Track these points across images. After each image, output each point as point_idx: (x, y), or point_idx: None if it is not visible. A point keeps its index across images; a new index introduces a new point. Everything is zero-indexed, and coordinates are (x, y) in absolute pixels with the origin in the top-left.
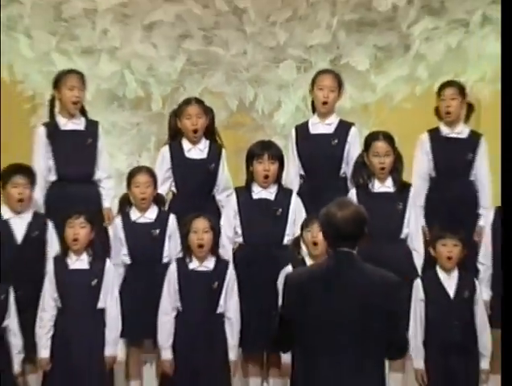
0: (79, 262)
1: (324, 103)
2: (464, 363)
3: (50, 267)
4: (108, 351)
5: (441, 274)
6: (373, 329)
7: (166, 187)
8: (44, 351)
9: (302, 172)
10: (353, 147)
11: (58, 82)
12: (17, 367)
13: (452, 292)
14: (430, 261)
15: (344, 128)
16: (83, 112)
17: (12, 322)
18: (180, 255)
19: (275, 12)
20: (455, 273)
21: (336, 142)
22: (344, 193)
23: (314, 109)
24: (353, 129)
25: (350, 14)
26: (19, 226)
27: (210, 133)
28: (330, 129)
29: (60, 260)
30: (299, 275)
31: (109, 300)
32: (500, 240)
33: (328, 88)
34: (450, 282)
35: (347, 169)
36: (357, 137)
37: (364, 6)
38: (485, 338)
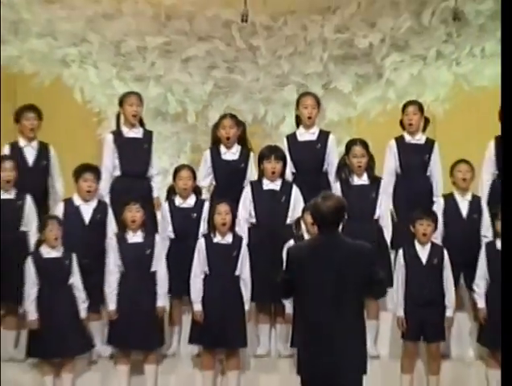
0: (136, 237)
1: (309, 118)
2: (432, 312)
3: (113, 241)
4: (159, 303)
5: (418, 246)
6: (353, 283)
7: (208, 180)
8: (112, 305)
9: (293, 170)
10: (332, 150)
11: (122, 101)
12: (83, 313)
13: (424, 259)
14: (401, 237)
15: (324, 135)
16: (142, 123)
17: (76, 280)
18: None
19: (281, 48)
20: (428, 246)
21: (319, 146)
22: (326, 185)
23: (297, 123)
24: (331, 136)
25: (337, 50)
26: (87, 211)
27: (241, 140)
28: (314, 137)
29: (121, 236)
30: (299, 247)
31: (159, 265)
32: (449, 223)
33: (311, 106)
34: (423, 252)
35: (328, 167)
36: (334, 142)
37: (347, 44)
38: (450, 294)
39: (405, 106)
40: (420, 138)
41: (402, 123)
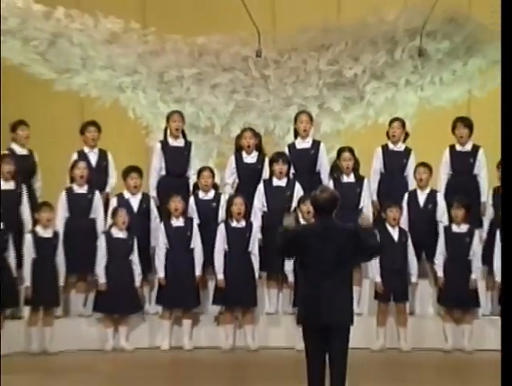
0: (178, 222)
1: (304, 130)
2: (400, 279)
3: (161, 226)
4: (197, 272)
5: (389, 228)
6: (344, 257)
7: (232, 178)
8: (161, 273)
9: (293, 171)
10: (322, 155)
11: (168, 118)
12: (138, 283)
13: (396, 238)
14: (380, 220)
15: (316, 144)
16: (184, 135)
17: (135, 257)
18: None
19: (286, 77)
20: (397, 228)
21: (313, 152)
22: (319, 182)
23: (295, 134)
24: (321, 145)
25: (330, 78)
26: (135, 202)
27: (258, 147)
28: (308, 145)
29: (167, 222)
30: (303, 227)
31: (196, 243)
32: (410, 211)
33: (305, 121)
34: (394, 233)
35: (320, 168)
36: (324, 149)
37: (337, 74)
38: (413, 265)
39: (391, 121)
40: (400, 147)
41: (387, 134)
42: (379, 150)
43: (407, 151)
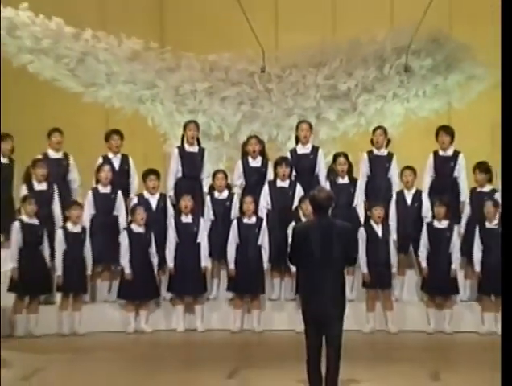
0: (187, 219)
1: (304, 137)
2: (384, 270)
3: (172, 222)
4: (203, 263)
5: (374, 225)
6: (339, 251)
7: (240, 181)
8: (171, 264)
9: (294, 173)
10: (321, 160)
11: (185, 126)
12: (156, 272)
13: (379, 234)
14: (367, 218)
15: (315, 150)
16: (199, 142)
17: (153, 249)
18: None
19: (287, 90)
20: (380, 225)
21: (312, 157)
22: (317, 183)
23: (296, 141)
24: (320, 150)
25: (326, 91)
26: (153, 201)
27: (262, 153)
28: (308, 151)
29: (177, 218)
30: (301, 225)
31: (203, 238)
32: (399, 209)
33: (305, 129)
34: (378, 229)
35: (318, 171)
36: (322, 154)
37: (333, 88)
38: (394, 258)
39: (374, 130)
40: (383, 152)
41: (372, 141)
42: (365, 156)
43: (390, 155)
